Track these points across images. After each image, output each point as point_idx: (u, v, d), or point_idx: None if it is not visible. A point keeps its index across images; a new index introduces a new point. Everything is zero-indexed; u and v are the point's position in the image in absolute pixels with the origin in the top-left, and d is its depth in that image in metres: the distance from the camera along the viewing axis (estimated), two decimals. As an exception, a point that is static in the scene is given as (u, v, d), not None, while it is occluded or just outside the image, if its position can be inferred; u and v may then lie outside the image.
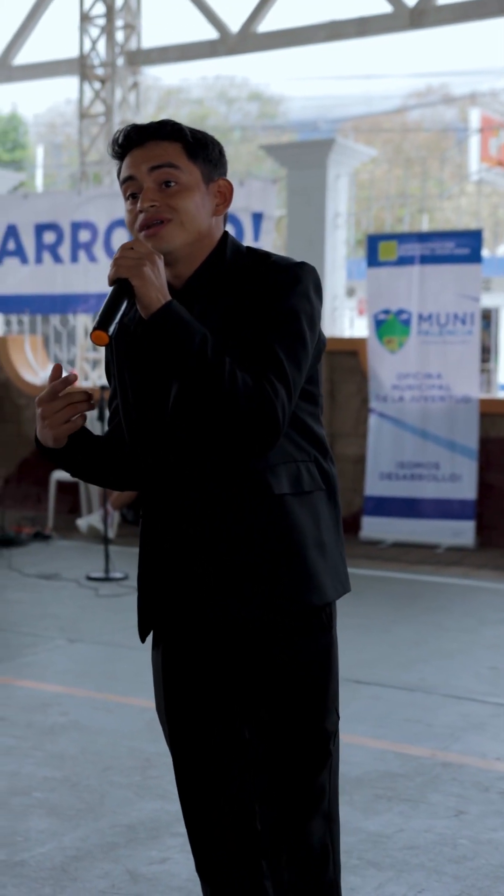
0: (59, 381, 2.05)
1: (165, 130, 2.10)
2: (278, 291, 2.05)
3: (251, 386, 1.98)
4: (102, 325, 1.95)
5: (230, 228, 10.00)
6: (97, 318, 1.96)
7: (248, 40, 11.43)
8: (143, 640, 2.21)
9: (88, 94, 11.88)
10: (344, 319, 10.53)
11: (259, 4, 11.28)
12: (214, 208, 2.13)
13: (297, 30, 11.25)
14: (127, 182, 2.11)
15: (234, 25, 11.51)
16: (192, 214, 2.07)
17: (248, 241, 9.91)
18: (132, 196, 2.10)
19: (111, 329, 1.95)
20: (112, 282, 1.97)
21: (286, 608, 2.08)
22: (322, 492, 2.15)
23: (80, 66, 11.73)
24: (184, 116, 33.85)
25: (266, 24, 11.45)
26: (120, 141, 2.12)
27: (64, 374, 2.08)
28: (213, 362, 1.96)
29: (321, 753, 2.16)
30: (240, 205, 9.88)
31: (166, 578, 2.13)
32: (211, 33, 11.72)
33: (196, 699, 2.14)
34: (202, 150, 2.12)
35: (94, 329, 1.94)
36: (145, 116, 13.00)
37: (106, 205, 10.37)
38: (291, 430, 2.09)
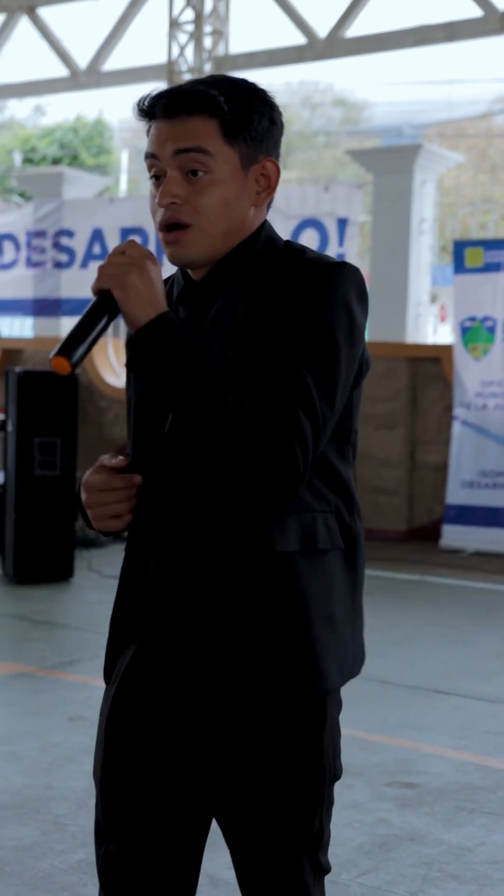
0: (119, 478, 1.70)
1: (200, 104, 1.69)
2: (311, 298, 1.67)
3: (267, 420, 1.59)
4: (65, 349, 1.59)
5: (314, 234, 10.04)
6: (60, 343, 1.60)
7: (335, 45, 11.41)
8: (107, 681, 1.87)
9: (175, 99, 11.94)
10: (427, 326, 10.45)
11: (348, 9, 11.25)
12: (254, 197, 1.75)
13: (385, 35, 11.21)
14: (150, 159, 1.73)
15: (322, 31, 11.50)
16: (218, 215, 1.71)
17: (332, 246, 9.90)
18: (154, 178, 1.73)
19: (76, 355, 1.59)
20: (94, 293, 1.63)
21: (274, 693, 1.69)
22: (339, 551, 1.75)
23: (168, 72, 11.82)
24: (268, 122, 33.92)
25: (354, 30, 11.42)
26: (144, 107, 1.74)
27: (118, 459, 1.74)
28: (215, 389, 1.59)
29: (303, 865, 1.75)
30: (325, 210, 9.87)
31: (139, 625, 1.79)
32: (298, 39, 11.72)
33: (146, 763, 1.76)
34: (244, 126, 1.71)
35: (56, 354, 1.58)
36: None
37: (191, 209, 10.42)
38: (313, 473, 1.69)
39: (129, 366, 1.63)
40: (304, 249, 1.74)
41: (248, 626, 1.68)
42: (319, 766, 1.76)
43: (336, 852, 3.35)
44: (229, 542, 1.69)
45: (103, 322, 1.62)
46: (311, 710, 1.74)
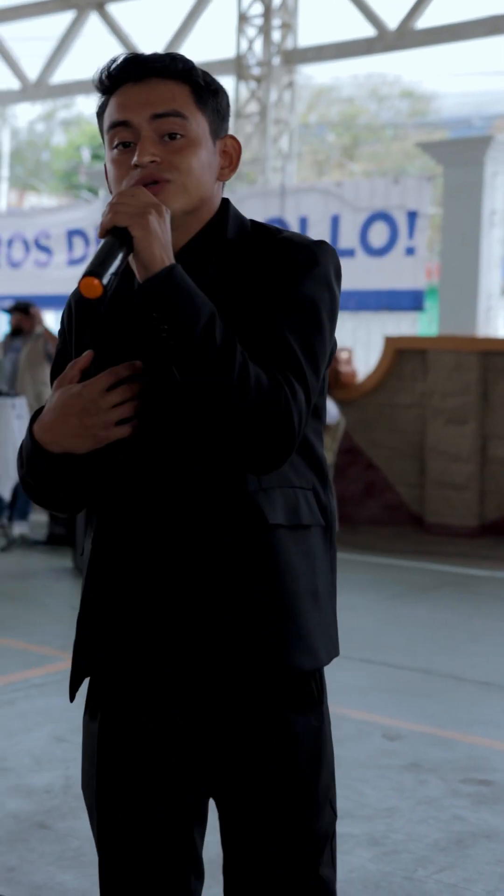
0: (125, 366, 1.62)
1: (176, 68, 1.67)
2: (292, 274, 1.64)
3: (265, 384, 1.56)
4: (95, 271, 1.51)
5: (384, 227, 9.98)
6: (88, 266, 1.53)
7: (406, 37, 11.32)
8: (72, 697, 1.74)
9: (244, 93, 11.96)
10: (498, 319, 10.34)
11: (419, 0, 11.16)
12: (219, 171, 1.72)
13: (456, 25, 11.10)
14: (117, 128, 1.66)
15: (392, 22, 11.42)
16: (196, 176, 1.66)
17: (402, 239, 9.84)
18: (122, 145, 1.67)
19: (107, 277, 1.52)
20: (105, 231, 1.56)
21: (268, 670, 1.64)
22: (320, 528, 1.72)
23: (237, 66, 11.82)
24: (334, 114, 33.82)
25: (424, 20, 11.33)
26: (113, 71, 1.68)
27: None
28: (223, 346, 1.55)
29: (310, 867, 1.69)
30: (394, 202, 9.81)
31: (116, 620, 1.68)
32: (367, 30, 11.65)
33: (141, 784, 1.70)
34: (213, 97, 1.70)
35: (85, 274, 1.51)
36: (296, 115, 13.01)
37: (260, 203, 10.42)
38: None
39: (145, 310, 1.54)
40: (277, 229, 1.72)
41: (236, 599, 1.63)
42: (318, 752, 1.71)
43: (411, 848, 3.34)
44: (220, 511, 1.64)
45: (121, 256, 1.54)
46: (304, 691, 1.69)
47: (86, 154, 30.57)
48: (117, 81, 1.68)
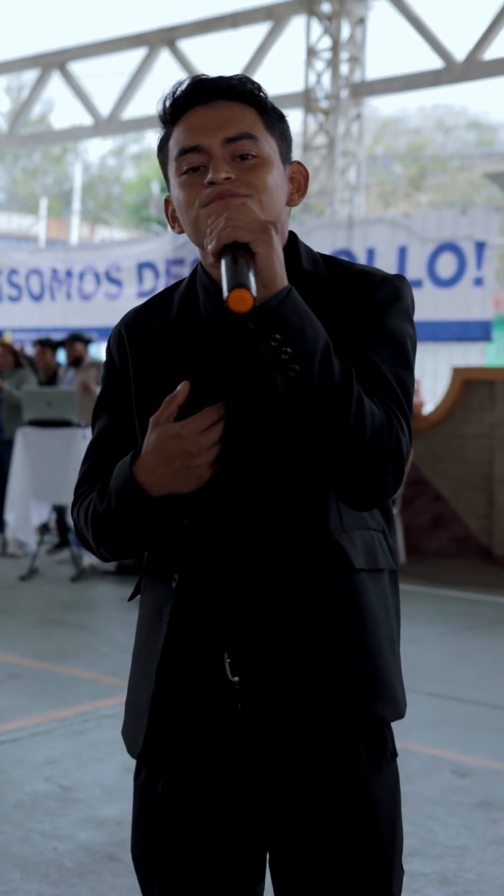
0: (220, 404, 1.56)
1: (244, 89, 1.61)
2: (378, 308, 1.59)
3: (378, 415, 1.51)
4: (242, 283, 1.41)
5: (452, 258, 9.96)
6: (224, 283, 1.42)
7: (473, 68, 11.34)
8: (138, 754, 1.65)
9: (312, 126, 12.05)
10: None
11: (486, 31, 11.17)
12: (289, 196, 1.66)
13: (524, 56, 11.09)
14: (188, 154, 1.59)
15: (460, 53, 11.44)
16: (272, 193, 1.59)
17: (470, 269, 9.81)
18: (191, 170, 1.60)
19: (254, 290, 1.41)
20: (223, 247, 1.46)
21: (353, 721, 1.58)
22: (389, 571, 1.67)
23: (305, 100, 11.92)
24: (401, 146, 33.87)
25: (492, 52, 11.33)
26: (179, 96, 1.62)
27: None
28: (343, 373, 1.49)
29: None
30: (462, 233, 9.79)
31: (195, 673, 1.59)
32: (435, 62, 11.69)
33: (208, 854, 1.62)
34: (279, 121, 1.65)
35: (233, 288, 1.40)
36: (364, 147, 13.07)
37: (328, 235, 10.47)
38: None
39: (266, 332, 1.46)
40: (348, 262, 1.68)
41: (320, 646, 1.57)
42: (395, 812, 1.64)
43: (484, 889, 3.29)
44: (304, 557, 1.57)
45: (251, 270, 1.44)
46: (382, 741, 1.62)
47: (155, 187, 30.96)
48: (184, 106, 1.62)
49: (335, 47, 11.85)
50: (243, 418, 1.57)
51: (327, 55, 11.93)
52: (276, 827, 1.61)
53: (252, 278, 1.42)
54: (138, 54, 13.84)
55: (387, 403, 1.54)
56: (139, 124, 14.45)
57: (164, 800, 1.63)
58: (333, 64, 11.89)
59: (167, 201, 1.69)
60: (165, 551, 1.65)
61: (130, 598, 1.79)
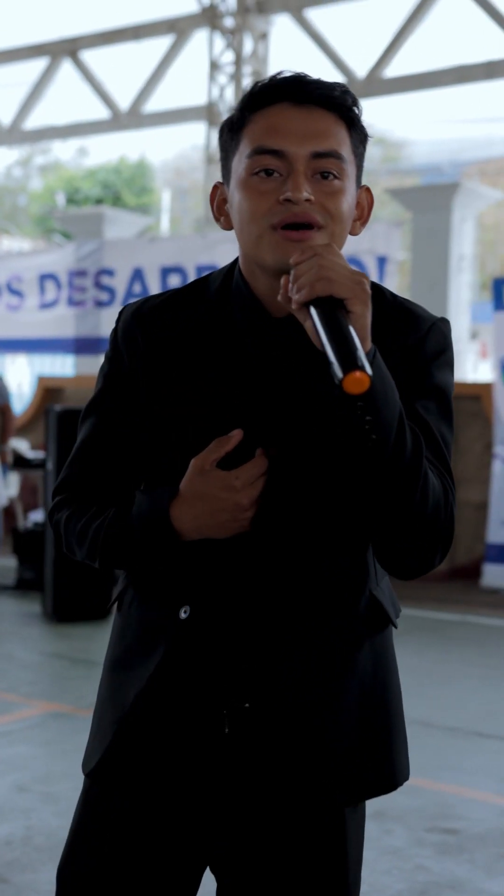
0: (261, 455, 1.46)
1: (343, 103, 1.46)
2: (429, 360, 1.51)
3: (438, 488, 1.44)
4: (354, 362, 1.30)
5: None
6: (335, 356, 1.31)
7: (374, 85, 11.47)
8: (87, 770, 1.64)
9: (215, 140, 12.06)
10: (467, 363, 10.41)
11: (387, 49, 11.32)
12: (352, 224, 1.55)
13: (424, 74, 11.25)
14: (266, 155, 1.44)
15: (361, 70, 11.57)
16: (344, 225, 1.49)
17: (371, 284, 9.91)
18: (264, 172, 1.45)
19: (369, 368, 1.31)
20: (315, 299, 1.34)
21: (379, 788, 1.56)
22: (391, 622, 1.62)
23: (208, 113, 11.93)
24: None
25: (393, 69, 11.48)
26: (273, 84, 1.46)
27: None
28: (414, 446, 1.40)
29: None
30: (364, 247, 9.88)
31: (182, 707, 1.52)
32: (338, 78, 11.79)
33: (154, 870, 1.57)
34: (363, 143, 1.53)
35: (349, 370, 1.29)
36: (270, 161, 13.16)
37: (231, 249, 10.47)
38: None
39: (351, 398, 1.34)
40: (384, 290, 1.56)
41: (360, 718, 1.52)
42: (360, 845, 1.61)
43: (375, 900, 3.30)
44: (344, 611, 1.50)
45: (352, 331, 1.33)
46: (356, 812, 1.57)
47: (60, 198, 30.70)
48: (273, 97, 1.46)
49: (238, 61, 11.89)
50: (288, 467, 1.48)
51: (230, 69, 11.96)
52: (236, 850, 1.54)
53: (360, 350, 1.31)
54: (39, 64, 13.72)
55: (440, 470, 1.47)
56: (41, 134, 14.32)
57: (117, 816, 1.57)
58: (237, 78, 11.92)
59: (216, 187, 1.56)
60: (177, 577, 1.52)
61: (109, 607, 1.68)
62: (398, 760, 1.58)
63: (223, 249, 10.37)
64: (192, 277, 10.50)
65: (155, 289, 10.70)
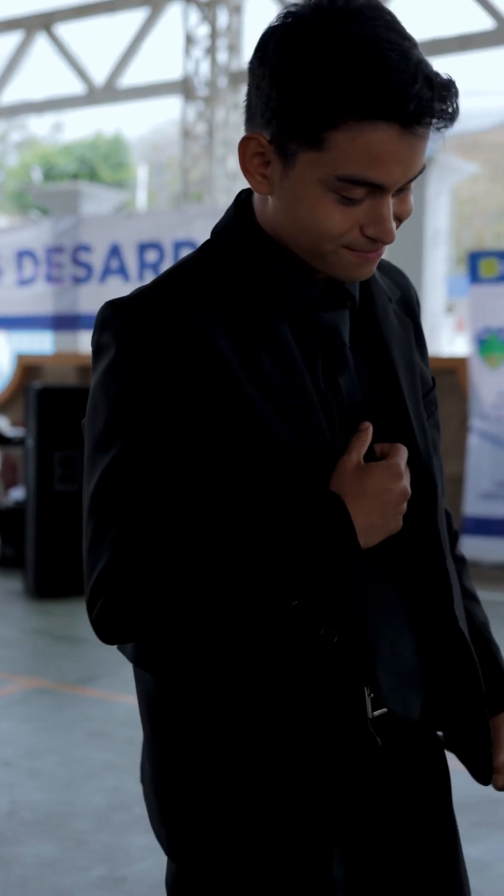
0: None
1: (453, 122, 1.26)
2: (419, 311, 1.51)
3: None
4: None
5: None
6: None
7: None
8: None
9: (191, 114, 12.03)
10: (442, 337, 10.47)
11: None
12: None
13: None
14: (361, 186, 1.22)
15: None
16: None
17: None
18: (348, 200, 1.23)
19: None
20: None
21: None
22: None
23: (184, 87, 11.89)
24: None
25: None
26: (384, 94, 1.17)
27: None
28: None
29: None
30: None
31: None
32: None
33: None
34: None
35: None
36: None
37: (208, 224, 10.45)
38: None
39: None
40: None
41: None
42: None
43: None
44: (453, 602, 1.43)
45: None
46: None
47: (37, 174, 30.52)
48: (381, 110, 1.18)
49: (213, 35, 11.85)
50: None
51: (206, 43, 11.91)
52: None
53: None
54: (14, 39, 13.63)
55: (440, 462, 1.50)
56: (16, 110, 14.25)
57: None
58: (212, 52, 11.88)
59: (251, 140, 1.28)
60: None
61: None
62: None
63: (200, 224, 10.36)
64: (169, 253, 10.49)
65: (132, 264, 10.69)
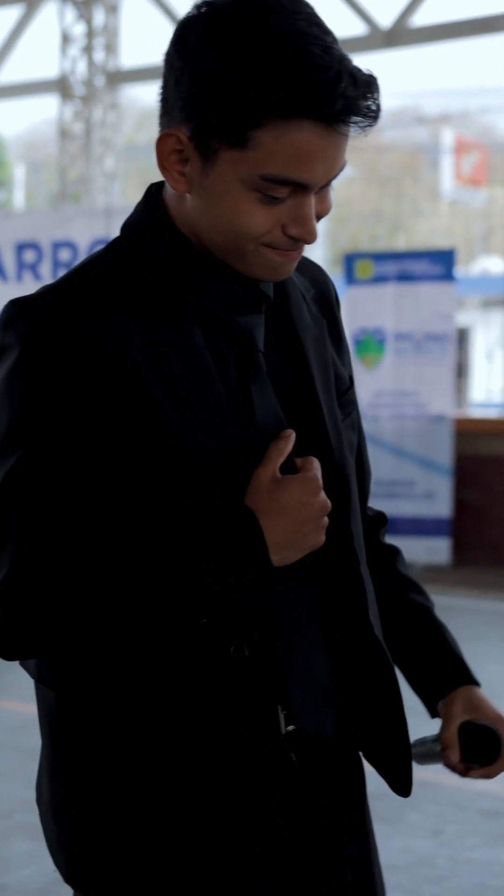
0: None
1: (377, 116, 1.22)
2: (341, 326, 1.46)
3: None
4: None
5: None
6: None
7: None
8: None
9: (68, 113, 11.93)
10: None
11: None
12: None
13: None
14: (285, 185, 1.20)
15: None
16: None
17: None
18: (271, 198, 1.21)
19: None
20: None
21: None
22: None
23: (61, 86, 11.79)
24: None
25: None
26: (305, 89, 1.15)
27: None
28: None
29: None
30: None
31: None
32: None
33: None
34: None
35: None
36: (124, 136, 13.06)
37: (86, 224, 10.40)
38: None
39: None
40: None
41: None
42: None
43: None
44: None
45: None
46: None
47: None
48: (302, 108, 1.16)
49: (90, 34, 11.76)
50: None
51: (82, 42, 11.82)
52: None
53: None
54: None
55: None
56: None
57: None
58: (88, 51, 11.80)
59: (169, 136, 1.23)
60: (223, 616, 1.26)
61: None
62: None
63: (79, 224, 10.29)
64: (47, 253, 10.38)
65: (10, 264, 10.56)
